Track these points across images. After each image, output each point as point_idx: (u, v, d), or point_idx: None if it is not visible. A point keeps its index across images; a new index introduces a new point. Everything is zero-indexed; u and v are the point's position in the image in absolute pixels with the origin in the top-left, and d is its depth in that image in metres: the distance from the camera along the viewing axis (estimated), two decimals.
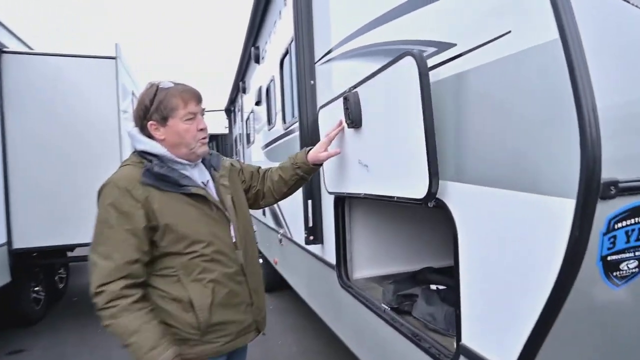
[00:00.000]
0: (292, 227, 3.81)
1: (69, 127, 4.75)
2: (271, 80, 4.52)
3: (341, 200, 2.57)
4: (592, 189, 0.92)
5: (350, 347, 2.57)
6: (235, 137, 9.19)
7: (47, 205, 4.65)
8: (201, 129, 1.57)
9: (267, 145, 4.99)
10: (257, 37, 5.14)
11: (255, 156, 6.00)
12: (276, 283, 5.28)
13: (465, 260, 1.38)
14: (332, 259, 2.73)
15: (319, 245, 2.97)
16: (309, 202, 2.94)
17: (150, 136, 1.55)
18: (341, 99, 2.08)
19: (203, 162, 1.69)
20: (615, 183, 0.94)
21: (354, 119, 1.89)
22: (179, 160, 1.55)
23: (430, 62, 1.43)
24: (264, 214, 5.25)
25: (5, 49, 4.59)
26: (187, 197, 1.52)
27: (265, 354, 3.93)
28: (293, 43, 3.38)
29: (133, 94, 5.75)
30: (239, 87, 7.20)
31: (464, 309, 1.40)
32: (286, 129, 3.88)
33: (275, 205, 4.12)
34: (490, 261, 1.27)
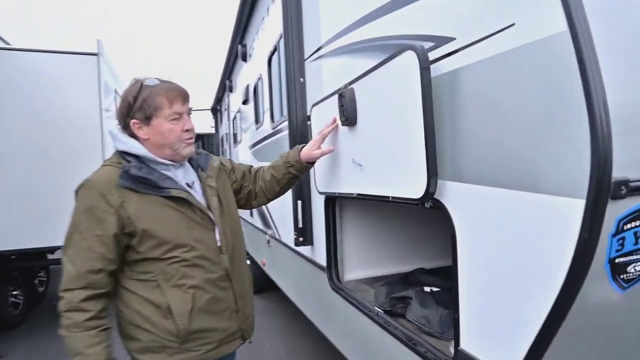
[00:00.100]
0: (281, 228, 3.74)
1: (49, 124, 4.61)
2: (259, 79, 4.44)
3: (332, 201, 2.52)
4: (602, 188, 0.88)
5: (341, 350, 2.51)
6: (222, 137, 9.07)
7: (27, 206, 4.50)
8: (187, 130, 1.50)
9: (254, 144, 4.91)
10: (244, 34, 5.05)
11: (242, 156, 5.91)
12: (264, 285, 5.20)
13: (464, 262, 1.33)
14: (322, 261, 2.67)
15: (308, 247, 2.90)
16: (299, 202, 2.87)
17: (133, 135, 1.48)
18: (335, 96, 2.02)
19: (190, 162, 1.62)
20: (626, 182, 0.90)
21: (349, 116, 1.83)
22: (162, 160, 1.48)
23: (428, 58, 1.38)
24: (251, 214, 5.17)
25: None
26: (167, 200, 1.45)
27: (253, 356, 3.86)
28: (282, 40, 3.32)
29: (116, 92, 5.61)
30: (225, 85, 7.08)
31: (463, 312, 1.35)
32: (274, 128, 3.81)
33: (263, 206, 4.04)
34: (491, 263, 1.22)
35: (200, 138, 11.23)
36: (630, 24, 0.97)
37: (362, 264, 2.66)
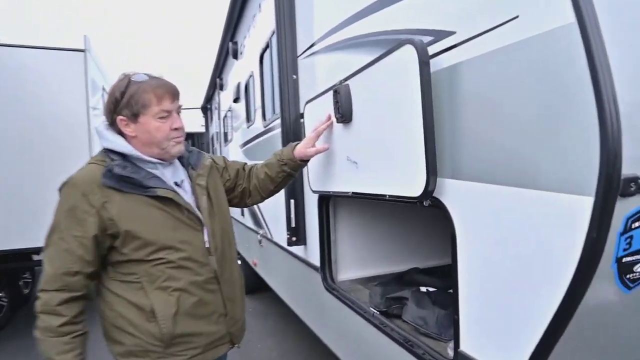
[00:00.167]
0: (273, 228, 3.69)
1: (35, 121, 4.50)
2: (250, 76, 4.38)
3: (325, 200, 2.47)
4: (612, 185, 0.85)
5: (335, 352, 2.47)
6: (212, 136, 8.97)
7: (11, 205, 4.38)
8: (176, 128, 1.45)
9: (245, 143, 4.84)
10: (235, 31, 4.99)
11: (233, 155, 5.83)
12: (255, 285, 5.15)
13: (464, 262, 1.30)
14: (316, 261, 2.63)
15: (301, 247, 2.86)
16: (292, 201, 2.83)
17: (121, 132, 1.43)
18: (330, 93, 1.98)
19: (181, 160, 1.57)
20: (635, 179, 0.87)
21: (344, 113, 1.79)
22: (149, 159, 1.43)
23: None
24: (242, 214, 5.11)
25: None
26: (153, 199, 1.40)
27: (244, 358, 3.80)
28: (274, 36, 3.27)
29: (104, 89, 5.50)
30: (215, 84, 7.00)
31: (463, 312, 1.32)
32: (266, 126, 3.76)
33: (254, 205, 3.99)
34: (492, 262, 1.19)
35: (190, 137, 11.10)
36: (639, 16, 0.94)
37: (355, 263, 2.62)
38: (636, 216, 0.91)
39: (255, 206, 4.22)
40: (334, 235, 2.52)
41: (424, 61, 1.29)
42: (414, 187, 1.39)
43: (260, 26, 3.79)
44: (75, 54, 4.68)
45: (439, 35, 1.32)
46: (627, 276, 0.99)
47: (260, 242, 4.23)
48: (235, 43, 4.97)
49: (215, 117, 8.22)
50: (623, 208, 0.89)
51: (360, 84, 1.71)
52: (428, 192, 1.34)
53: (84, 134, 4.64)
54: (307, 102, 2.32)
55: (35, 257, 5.08)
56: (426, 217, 2.71)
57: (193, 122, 10.82)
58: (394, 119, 1.48)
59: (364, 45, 1.81)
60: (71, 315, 1.34)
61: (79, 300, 1.37)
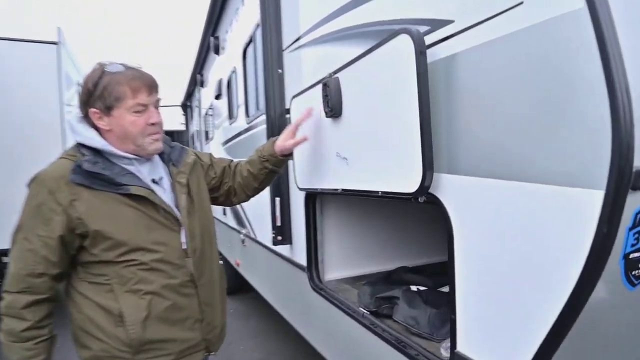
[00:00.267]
0: (257, 227, 3.61)
1: (4, 116, 4.29)
2: (233, 72, 4.27)
3: (312, 197, 2.41)
4: (623, 179, 0.82)
5: (322, 353, 2.41)
6: (193, 134, 8.79)
7: None
8: (152, 123, 1.37)
9: (227, 141, 4.74)
10: (217, 26, 4.87)
11: (215, 153, 5.69)
12: (237, 286, 5.05)
13: (462, 259, 1.25)
14: (302, 260, 2.56)
15: (287, 246, 2.79)
16: (277, 199, 2.75)
17: (95, 125, 1.35)
18: (318, 87, 1.91)
19: (162, 156, 1.49)
20: None
21: (333, 107, 1.73)
22: (123, 154, 1.35)
23: None
24: (224, 213, 4.99)
25: None
26: (126, 198, 1.32)
27: None
28: (258, 30, 3.19)
29: (79, 84, 5.30)
30: (196, 80, 6.84)
31: (460, 312, 1.27)
32: (250, 122, 3.67)
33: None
34: (493, 260, 1.15)
35: (170, 135, 10.80)
36: None
37: (342, 263, 2.56)
38: None
39: (237, 205, 4.12)
40: (321, 234, 2.46)
41: (421, 51, 1.24)
42: (409, 183, 1.34)
43: (243, 20, 3.70)
44: (48, 47, 4.50)
45: (436, 25, 1.28)
46: (633, 273, 0.96)
47: (243, 241, 4.13)
48: (217, 38, 4.85)
49: (195, 114, 8.04)
50: (633, 202, 0.86)
51: (352, 76, 1.65)
52: (424, 188, 1.29)
53: (56, 131, 4.47)
54: (294, 97, 2.25)
55: (5, 260, 4.86)
56: (414, 214, 2.68)
57: (172, 119, 10.60)
58: (388, 113, 1.42)
59: (355, 37, 1.75)
60: (35, 319, 1.28)
61: (45, 304, 1.30)
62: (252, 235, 3.76)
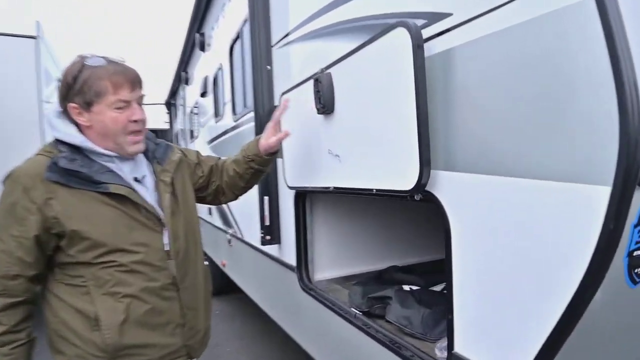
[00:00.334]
0: (244, 227, 3.54)
1: None
2: (219, 69, 4.19)
3: (302, 196, 2.37)
4: (631, 175, 0.80)
5: (312, 354, 2.37)
6: (177, 132, 8.64)
7: None
8: (135, 120, 1.31)
9: (213, 139, 4.65)
10: (203, 22, 4.78)
11: (200, 152, 5.60)
12: (223, 286, 4.97)
13: (460, 258, 1.23)
14: (291, 260, 2.51)
15: (275, 246, 2.74)
16: (266, 198, 2.70)
17: (75, 121, 1.29)
18: (308, 83, 1.87)
19: (146, 153, 1.43)
20: None
21: (325, 104, 1.69)
22: (103, 151, 1.29)
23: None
24: (210, 212, 4.91)
25: None
26: (105, 196, 1.26)
27: None
28: (246, 26, 3.13)
29: (58, 80, 5.14)
30: (181, 77, 6.72)
31: (458, 312, 1.25)
32: (236, 120, 3.60)
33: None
34: (492, 259, 1.12)
35: (154, 134, 10.59)
36: None
37: (332, 262, 2.53)
38: None
39: (225, 204, 4.05)
40: (311, 233, 2.42)
41: (418, 44, 1.21)
42: (405, 181, 1.31)
43: (230, 16, 3.63)
44: (26, 41, 4.34)
45: (433, 18, 1.25)
46: (636, 270, 0.94)
47: (229, 241, 4.06)
48: (203, 34, 4.76)
49: (180, 112, 7.91)
50: (638, 199, 0.84)
51: (345, 71, 1.61)
52: (421, 185, 1.27)
53: (34, 127, 4.32)
54: (284, 94, 2.20)
55: None
56: (404, 213, 2.66)
57: (156, 118, 10.40)
58: (383, 108, 1.39)
59: (348, 31, 1.72)
60: (11, 323, 1.22)
61: (21, 307, 1.24)
62: (239, 235, 3.69)
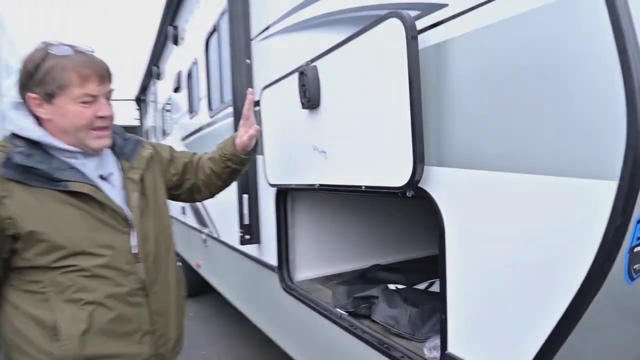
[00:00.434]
0: (221, 226, 3.44)
1: None
2: (194, 63, 4.06)
3: (283, 193, 2.30)
4: (638, 169, 0.78)
5: (296, 358, 2.31)
6: (147, 130, 8.38)
7: None
8: (101, 117, 1.21)
9: (187, 136, 4.51)
10: (176, 15, 4.63)
11: None
12: (197, 288, 4.83)
13: (454, 257, 1.20)
14: (271, 260, 2.44)
15: (255, 245, 2.66)
16: (245, 196, 2.61)
17: (34, 113, 1.19)
18: (291, 77, 1.81)
19: (113, 149, 1.33)
20: None
21: (311, 98, 1.63)
22: (65, 147, 1.19)
23: None
24: (183, 212, 4.76)
25: None
26: (66, 195, 1.17)
27: None
28: (223, 19, 3.03)
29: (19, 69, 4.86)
30: (152, 72, 6.50)
31: (452, 312, 1.22)
32: (213, 116, 3.49)
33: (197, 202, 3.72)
34: (489, 257, 1.10)
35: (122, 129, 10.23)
36: None
37: (314, 262, 2.48)
38: None
39: (198, 203, 3.93)
40: (292, 232, 2.36)
41: (413, 36, 1.17)
42: (397, 177, 1.27)
43: (206, 8, 3.51)
44: None
45: (428, 9, 1.21)
46: (635, 267, 0.93)
47: (205, 241, 3.94)
48: (176, 27, 4.61)
49: (151, 109, 7.66)
50: None
51: (332, 64, 1.56)
52: (414, 182, 1.23)
53: None
54: (265, 88, 2.13)
55: None
56: (387, 210, 2.64)
57: (125, 114, 10.07)
58: (374, 102, 1.34)
59: (334, 23, 1.66)
60: None
61: None
62: (216, 235, 3.58)
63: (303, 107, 1.72)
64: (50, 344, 1.15)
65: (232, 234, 2.94)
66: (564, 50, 0.89)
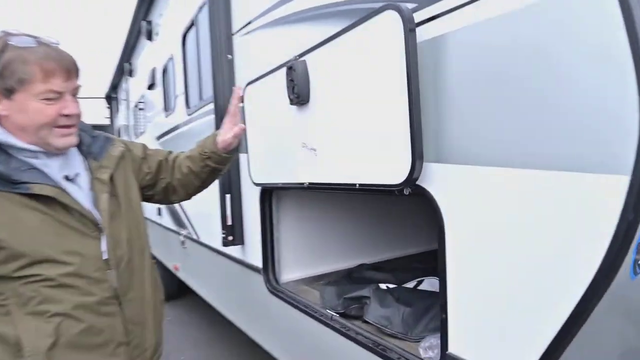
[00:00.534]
0: (200, 227, 3.34)
1: None
2: (169, 59, 3.93)
3: (268, 193, 2.24)
4: None
5: None
6: (119, 129, 8.10)
7: None
8: (66, 115, 1.12)
9: (163, 135, 4.37)
10: (150, 9, 4.47)
11: None
12: (175, 292, 4.70)
13: (455, 256, 1.17)
14: (256, 261, 2.38)
15: (238, 247, 2.58)
16: (227, 196, 2.53)
17: None
18: (278, 72, 1.75)
19: (80, 147, 1.24)
20: None
21: (300, 93, 1.58)
22: (25, 146, 1.10)
23: None
24: (159, 213, 4.61)
25: None
26: (27, 199, 1.08)
27: None
28: (201, 13, 2.94)
29: None
30: (124, 69, 6.28)
31: (452, 312, 1.19)
32: (191, 114, 3.38)
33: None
34: (491, 255, 1.07)
35: (90, 126, 9.83)
36: None
37: (300, 262, 2.42)
38: None
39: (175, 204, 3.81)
40: (277, 233, 2.30)
41: (410, 28, 1.13)
42: (394, 174, 1.23)
43: (182, 1, 3.39)
44: None
45: (424, 1, 1.18)
46: (639, 262, 0.93)
47: (183, 243, 3.82)
48: (150, 22, 4.45)
49: (122, 107, 7.41)
50: None
51: (323, 59, 1.51)
52: (412, 179, 1.19)
53: None
54: (249, 84, 2.06)
55: None
56: (373, 209, 2.61)
57: (95, 113, 9.69)
58: (369, 97, 1.30)
59: (323, 17, 1.61)
60: None
61: None
62: (195, 237, 3.48)
63: (291, 103, 1.66)
64: None
65: (213, 235, 2.85)
66: (573, 41, 0.87)
